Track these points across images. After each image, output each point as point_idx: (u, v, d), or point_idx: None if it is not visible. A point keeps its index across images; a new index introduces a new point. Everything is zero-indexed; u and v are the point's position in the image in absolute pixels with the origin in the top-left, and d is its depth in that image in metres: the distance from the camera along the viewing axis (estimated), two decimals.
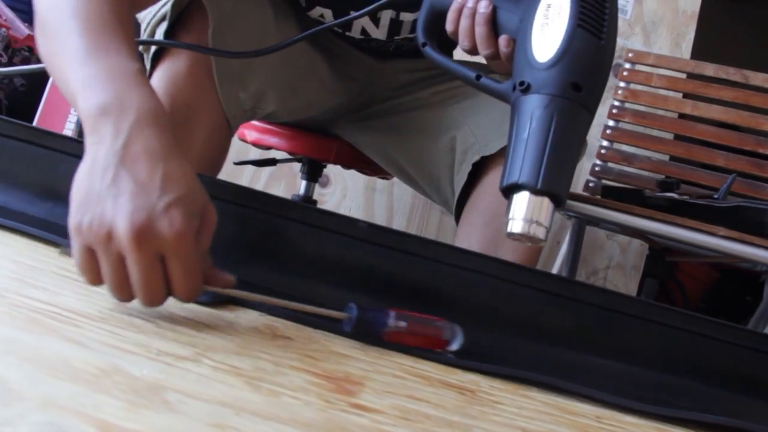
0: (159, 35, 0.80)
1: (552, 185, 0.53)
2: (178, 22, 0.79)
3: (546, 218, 0.53)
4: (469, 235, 0.86)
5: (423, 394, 0.40)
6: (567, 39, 0.55)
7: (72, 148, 0.60)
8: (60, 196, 0.58)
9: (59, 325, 0.37)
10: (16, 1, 2.28)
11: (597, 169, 1.52)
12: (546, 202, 0.53)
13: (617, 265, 1.61)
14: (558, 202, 0.54)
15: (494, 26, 0.65)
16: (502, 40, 0.64)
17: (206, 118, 0.81)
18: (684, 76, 1.57)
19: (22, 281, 0.44)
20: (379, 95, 1.02)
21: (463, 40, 0.67)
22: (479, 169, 0.89)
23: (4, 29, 1.95)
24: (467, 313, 0.57)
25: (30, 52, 2.06)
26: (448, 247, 0.61)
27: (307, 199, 1.17)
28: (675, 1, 1.63)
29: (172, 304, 0.44)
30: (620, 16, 1.64)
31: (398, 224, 1.57)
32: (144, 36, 0.83)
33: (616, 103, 1.55)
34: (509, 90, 0.58)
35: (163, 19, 0.80)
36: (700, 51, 1.68)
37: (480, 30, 0.65)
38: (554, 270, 1.42)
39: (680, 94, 1.57)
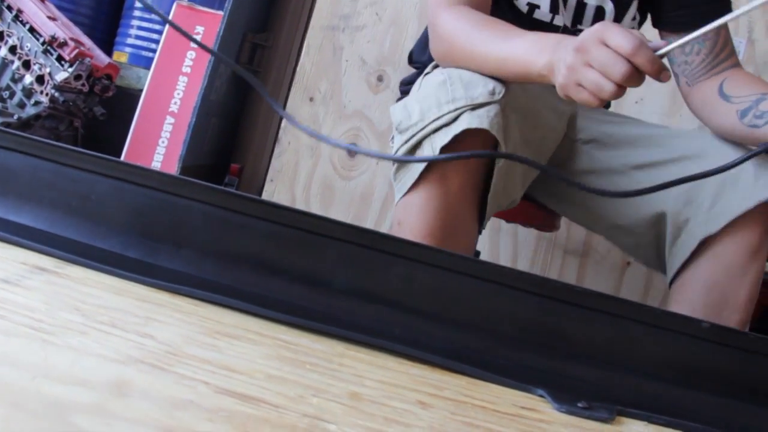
0: (429, 145, 0.83)
1: None
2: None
3: None
4: (692, 302, 0.91)
5: None
6: None
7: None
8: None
9: None
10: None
11: None
12: None
13: None
14: None
15: None
16: None
17: (468, 226, 0.88)
18: None
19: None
20: (569, 148, 1.05)
21: None
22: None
23: (88, 59, 1.89)
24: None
25: (109, 80, 2.01)
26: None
27: None
28: None
29: None
30: None
31: (522, 265, 1.57)
32: (405, 139, 0.85)
33: None
34: None
35: (436, 131, 0.82)
36: None
37: None
38: None
39: None
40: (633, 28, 1.03)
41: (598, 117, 1.06)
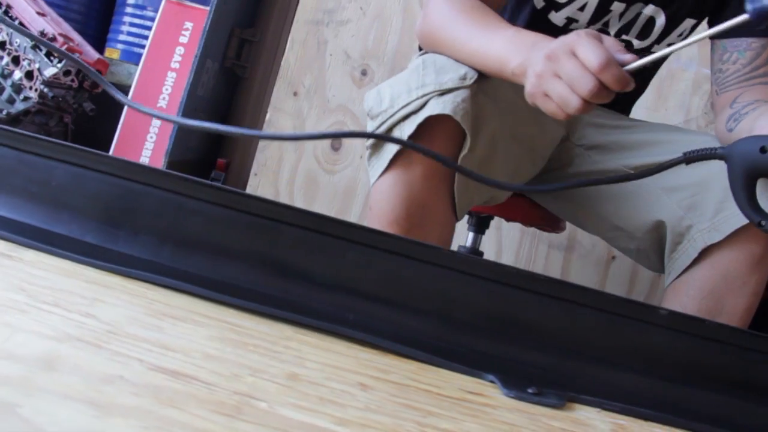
0: (399, 133, 0.81)
1: None
2: (422, 125, 0.80)
3: None
4: (686, 307, 0.89)
5: None
6: None
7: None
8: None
9: None
10: None
11: None
12: None
13: None
14: None
15: None
16: None
17: (439, 216, 0.84)
18: None
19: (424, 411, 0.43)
20: (570, 153, 1.02)
21: None
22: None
23: (77, 54, 1.90)
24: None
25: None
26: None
27: (474, 251, 1.16)
28: None
29: None
30: None
31: (507, 259, 1.57)
32: (375, 126, 0.84)
33: None
34: None
35: (404, 118, 0.80)
36: None
37: None
38: None
39: None
40: (672, 43, 1.00)
41: (604, 123, 1.03)
